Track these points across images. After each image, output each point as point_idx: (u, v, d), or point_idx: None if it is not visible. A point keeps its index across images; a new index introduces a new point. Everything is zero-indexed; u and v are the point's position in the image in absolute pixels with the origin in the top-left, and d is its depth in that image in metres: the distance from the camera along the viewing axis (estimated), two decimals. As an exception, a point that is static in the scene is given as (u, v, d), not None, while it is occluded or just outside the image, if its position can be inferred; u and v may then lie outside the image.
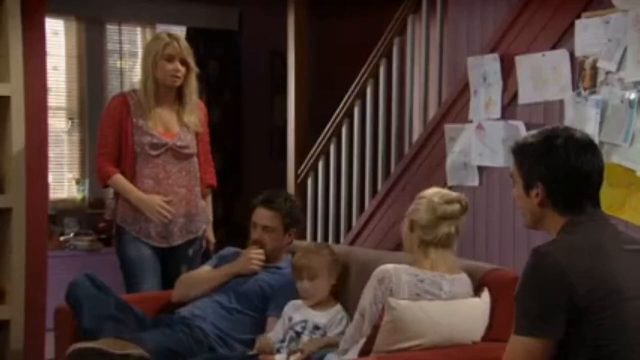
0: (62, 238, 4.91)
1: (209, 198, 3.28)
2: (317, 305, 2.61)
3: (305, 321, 2.58)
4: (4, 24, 3.05)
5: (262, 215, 2.82)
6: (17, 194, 3.07)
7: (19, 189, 3.07)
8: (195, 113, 3.16)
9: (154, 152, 3.06)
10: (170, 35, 3.13)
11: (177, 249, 3.12)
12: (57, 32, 5.14)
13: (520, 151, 1.83)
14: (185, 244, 3.14)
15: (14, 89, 3.08)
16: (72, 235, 4.96)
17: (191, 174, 3.15)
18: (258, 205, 2.84)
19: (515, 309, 1.71)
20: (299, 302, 2.64)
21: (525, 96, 3.48)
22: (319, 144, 4.81)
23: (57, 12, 4.70)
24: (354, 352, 2.24)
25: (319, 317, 2.58)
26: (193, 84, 3.12)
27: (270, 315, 2.71)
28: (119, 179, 3.06)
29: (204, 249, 3.26)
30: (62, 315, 2.76)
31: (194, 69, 3.11)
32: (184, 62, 3.07)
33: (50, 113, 3.82)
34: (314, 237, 4.88)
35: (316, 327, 2.55)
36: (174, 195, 3.08)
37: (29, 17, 3.13)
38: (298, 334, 2.56)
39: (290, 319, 2.61)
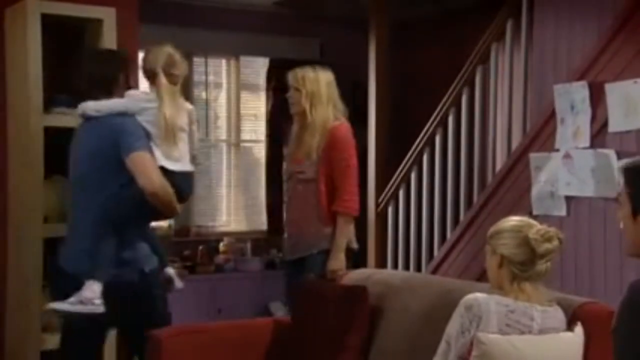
0: (149, 264, 5.05)
1: (339, 225, 3.24)
2: None
3: None
4: (101, 60, 3.20)
5: None
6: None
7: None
8: (315, 136, 3.24)
9: (285, 177, 3.40)
10: (296, 69, 3.35)
11: (293, 263, 3.35)
12: (146, 66, 5.34)
13: (633, 172, 1.75)
14: (298, 260, 3.31)
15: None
16: (158, 262, 5.08)
17: (305, 199, 3.27)
18: None
19: (612, 345, 1.65)
20: None
21: (616, 124, 3.39)
22: (400, 172, 4.80)
23: (148, 46, 4.89)
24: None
25: None
26: (305, 108, 3.26)
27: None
28: None
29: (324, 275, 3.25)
30: (153, 340, 2.83)
31: (308, 93, 3.25)
32: (296, 90, 3.29)
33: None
34: (395, 266, 4.86)
35: None
36: (290, 218, 3.36)
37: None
38: None
39: None
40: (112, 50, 3.05)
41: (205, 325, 3.05)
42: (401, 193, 4.81)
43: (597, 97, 3.49)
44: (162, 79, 2.83)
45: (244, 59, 5.76)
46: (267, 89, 5.78)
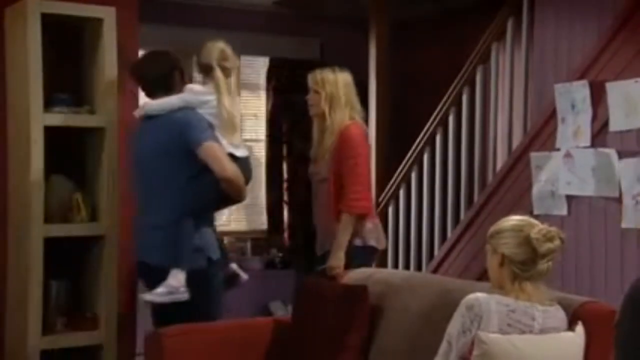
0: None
1: (341, 224, 3.24)
2: None
3: None
4: (102, 59, 3.20)
5: None
6: (111, 222, 3.19)
7: (112, 217, 3.19)
8: (330, 137, 3.29)
9: (313, 180, 3.41)
10: (316, 70, 3.38)
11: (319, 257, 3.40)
12: (146, 65, 5.33)
13: None
14: (323, 255, 3.36)
15: (108, 120, 3.21)
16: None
17: (320, 199, 3.35)
18: None
19: (614, 338, 1.66)
20: None
21: (617, 123, 3.39)
22: (400, 172, 4.80)
23: (148, 46, 4.88)
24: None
25: None
26: (324, 110, 3.29)
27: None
28: None
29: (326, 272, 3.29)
30: (153, 340, 2.83)
31: (327, 95, 3.29)
32: (315, 92, 3.31)
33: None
34: (395, 265, 4.85)
35: None
36: (315, 217, 3.41)
37: (124, 52, 3.28)
38: None
39: None
40: (162, 50, 3.17)
41: (206, 325, 3.04)
42: (401, 192, 4.80)
43: (597, 97, 3.49)
44: (218, 72, 3.00)
45: (244, 59, 5.74)
46: (268, 89, 5.77)
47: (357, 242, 3.29)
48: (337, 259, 3.24)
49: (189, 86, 3.03)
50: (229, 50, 3.07)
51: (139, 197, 3.02)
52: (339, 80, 3.32)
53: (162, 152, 2.87)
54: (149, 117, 2.95)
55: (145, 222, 2.95)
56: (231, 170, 2.84)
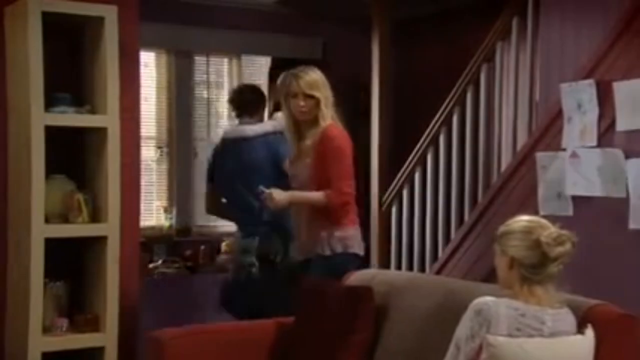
0: (150, 265, 5.01)
1: (315, 193, 3.16)
2: None
3: None
4: (103, 59, 3.17)
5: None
6: (113, 222, 3.16)
7: (114, 218, 3.16)
8: (311, 139, 3.20)
9: (292, 183, 3.34)
10: (293, 74, 3.25)
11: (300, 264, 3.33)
12: (147, 64, 5.30)
13: None
14: (304, 261, 3.28)
15: (110, 120, 3.18)
16: (160, 262, 5.05)
17: (299, 206, 3.26)
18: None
19: None
20: None
21: (624, 123, 3.36)
22: (404, 172, 4.77)
23: (149, 45, 4.86)
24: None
25: None
26: (323, 114, 3.19)
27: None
28: None
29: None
30: (154, 342, 2.80)
31: (320, 98, 3.18)
32: (308, 97, 3.18)
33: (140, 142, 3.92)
34: (399, 267, 4.83)
35: None
36: (295, 223, 3.35)
37: (125, 51, 3.25)
38: None
39: None
40: (256, 86, 4.17)
41: (207, 326, 3.02)
42: (405, 193, 4.77)
43: (604, 96, 3.46)
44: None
45: (245, 58, 5.72)
46: (269, 89, 5.74)
47: (338, 248, 3.18)
48: (282, 200, 3.18)
49: (278, 115, 3.65)
50: None
51: (236, 198, 3.70)
52: (325, 81, 3.22)
53: (258, 165, 3.60)
54: (243, 139, 3.67)
55: (247, 218, 3.66)
56: None
